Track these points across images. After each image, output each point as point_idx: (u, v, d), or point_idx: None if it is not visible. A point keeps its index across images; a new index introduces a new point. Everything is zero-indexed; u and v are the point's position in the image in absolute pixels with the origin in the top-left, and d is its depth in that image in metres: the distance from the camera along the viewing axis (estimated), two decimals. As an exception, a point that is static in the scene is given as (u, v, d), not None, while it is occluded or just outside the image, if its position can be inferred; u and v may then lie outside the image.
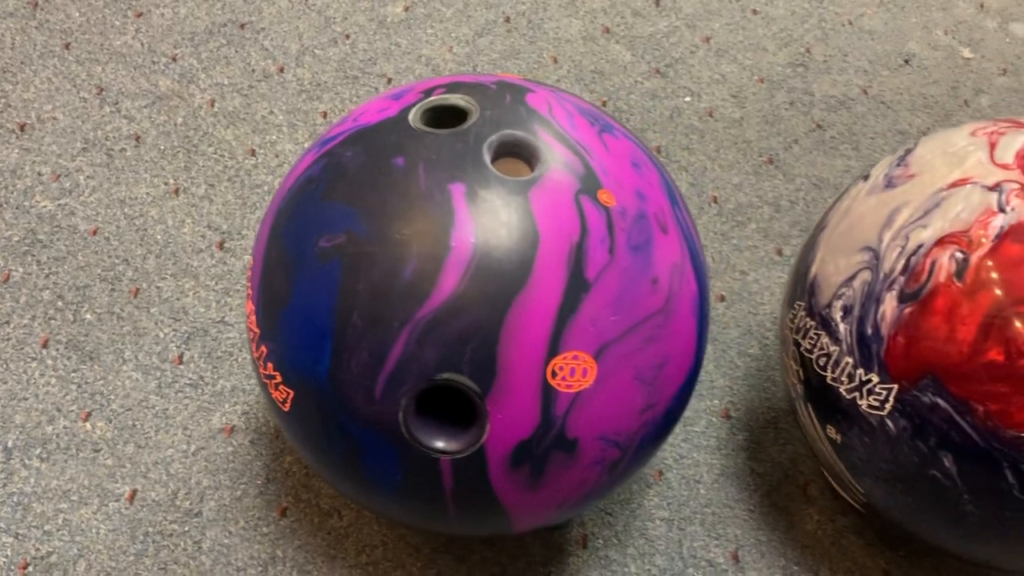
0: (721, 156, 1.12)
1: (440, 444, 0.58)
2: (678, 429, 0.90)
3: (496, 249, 0.56)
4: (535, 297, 0.56)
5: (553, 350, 0.57)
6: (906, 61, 1.25)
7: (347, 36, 1.21)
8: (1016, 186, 0.63)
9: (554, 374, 0.57)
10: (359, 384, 0.57)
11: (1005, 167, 0.65)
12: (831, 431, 0.71)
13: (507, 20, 1.25)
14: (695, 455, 0.89)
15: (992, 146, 0.67)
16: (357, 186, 0.60)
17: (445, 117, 0.63)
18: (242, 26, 1.20)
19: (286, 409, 0.63)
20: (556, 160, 0.60)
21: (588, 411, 0.59)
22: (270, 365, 0.63)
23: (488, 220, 0.57)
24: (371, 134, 0.62)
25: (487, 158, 0.59)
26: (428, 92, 0.65)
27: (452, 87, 0.65)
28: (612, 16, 1.26)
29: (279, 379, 0.62)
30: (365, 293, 0.57)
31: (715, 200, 1.08)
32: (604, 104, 1.16)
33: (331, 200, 0.60)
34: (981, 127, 0.70)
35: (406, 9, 1.24)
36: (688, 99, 1.18)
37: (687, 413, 0.91)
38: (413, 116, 0.62)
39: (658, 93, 1.18)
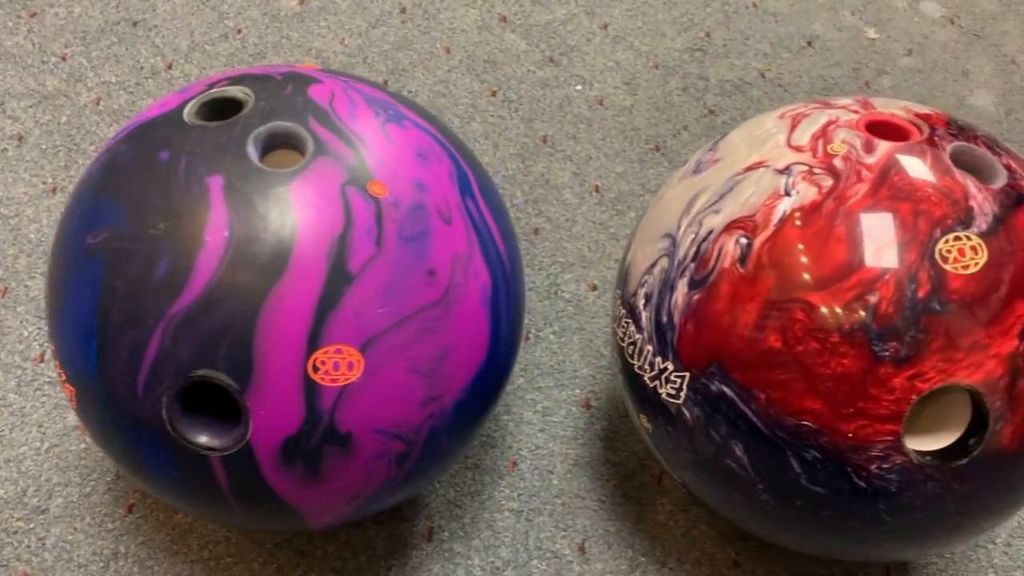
0: (607, 144, 1.11)
1: (204, 440, 0.58)
2: (535, 419, 0.89)
3: (252, 242, 0.56)
4: (292, 290, 0.56)
5: (313, 344, 0.56)
6: (809, 43, 1.23)
7: (239, 31, 1.20)
8: (804, 168, 0.62)
9: (316, 368, 0.56)
10: (123, 382, 0.57)
11: (798, 149, 0.63)
12: (644, 420, 0.70)
13: (403, 11, 1.24)
14: (551, 445, 0.88)
15: (792, 128, 0.66)
16: (125, 181, 0.59)
17: (227, 110, 0.63)
18: (135, 24, 1.20)
19: (74, 406, 0.63)
20: (325, 151, 0.59)
21: (359, 404, 0.58)
22: (56, 363, 0.63)
23: (245, 212, 0.56)
24: (146, 129, 0.62)
25: (252, 150, 0.59)
26: (212, 85, 0.65)
27: (237, 79, 0.65)
28: (511, 5, 1.25)
29: (63, 376, 0.62)
30: (123, 290, 0.56)
31: (597, 189, 1.07)
32: (494, 94, 1.15)
33: (102, 196, 0.60)
34: (790, 109, 0.68)
35: (301, 2, 1.24)
36: (579, 87, 1.17)
37: (546, 403, 0.90)
38: (189, 110, 0.62)
39: (549, 82, 1.17)
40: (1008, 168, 0.62)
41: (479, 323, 0.64)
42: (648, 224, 0.70)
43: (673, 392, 0.64)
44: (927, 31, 1.26)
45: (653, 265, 0.66)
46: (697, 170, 0.68)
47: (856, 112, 0.65)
